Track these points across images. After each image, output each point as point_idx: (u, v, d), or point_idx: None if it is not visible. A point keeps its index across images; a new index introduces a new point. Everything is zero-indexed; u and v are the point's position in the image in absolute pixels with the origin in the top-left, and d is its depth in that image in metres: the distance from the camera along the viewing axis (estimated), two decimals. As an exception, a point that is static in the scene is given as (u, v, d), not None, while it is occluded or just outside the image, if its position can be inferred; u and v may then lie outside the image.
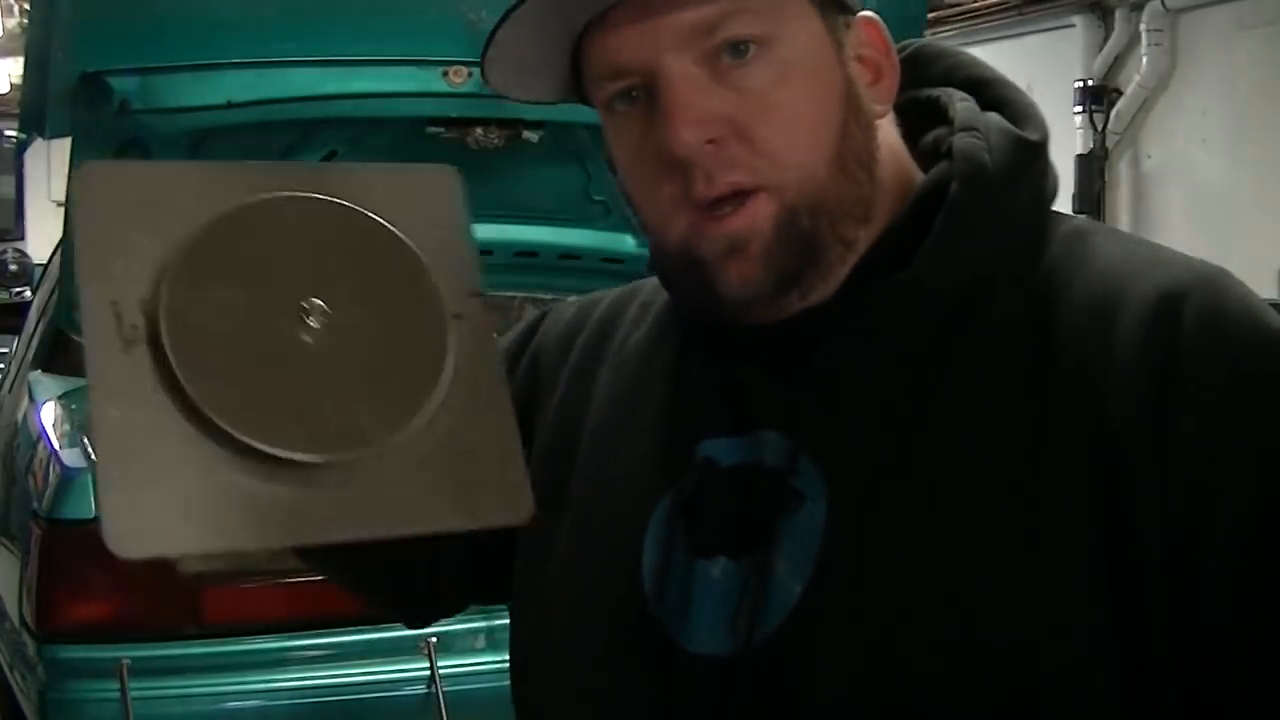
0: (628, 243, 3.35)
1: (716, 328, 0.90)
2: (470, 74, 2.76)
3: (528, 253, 3.32)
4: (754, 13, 0.82)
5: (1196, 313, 0.79)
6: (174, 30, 2.62)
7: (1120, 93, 8.31)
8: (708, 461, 0.88)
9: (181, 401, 0.77)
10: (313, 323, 0.81)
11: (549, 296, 3.80)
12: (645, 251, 3.66)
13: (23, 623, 2.66)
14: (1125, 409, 0.78)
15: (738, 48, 0.82)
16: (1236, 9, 7.59)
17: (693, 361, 0.92)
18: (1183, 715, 0.77)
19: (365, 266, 0.86)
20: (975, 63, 0.95)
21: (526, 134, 2.95)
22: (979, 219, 0.85)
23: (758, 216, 0.82)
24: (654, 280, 0.99)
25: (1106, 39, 8.36)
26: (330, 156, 2.96)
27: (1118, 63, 8.32)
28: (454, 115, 2.88)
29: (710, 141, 0.81)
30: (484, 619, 2.74)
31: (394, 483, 0.81)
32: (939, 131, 0.90)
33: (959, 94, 0.91)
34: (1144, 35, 8.00)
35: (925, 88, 0.93)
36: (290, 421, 0.79)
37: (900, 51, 0.91)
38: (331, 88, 2.80)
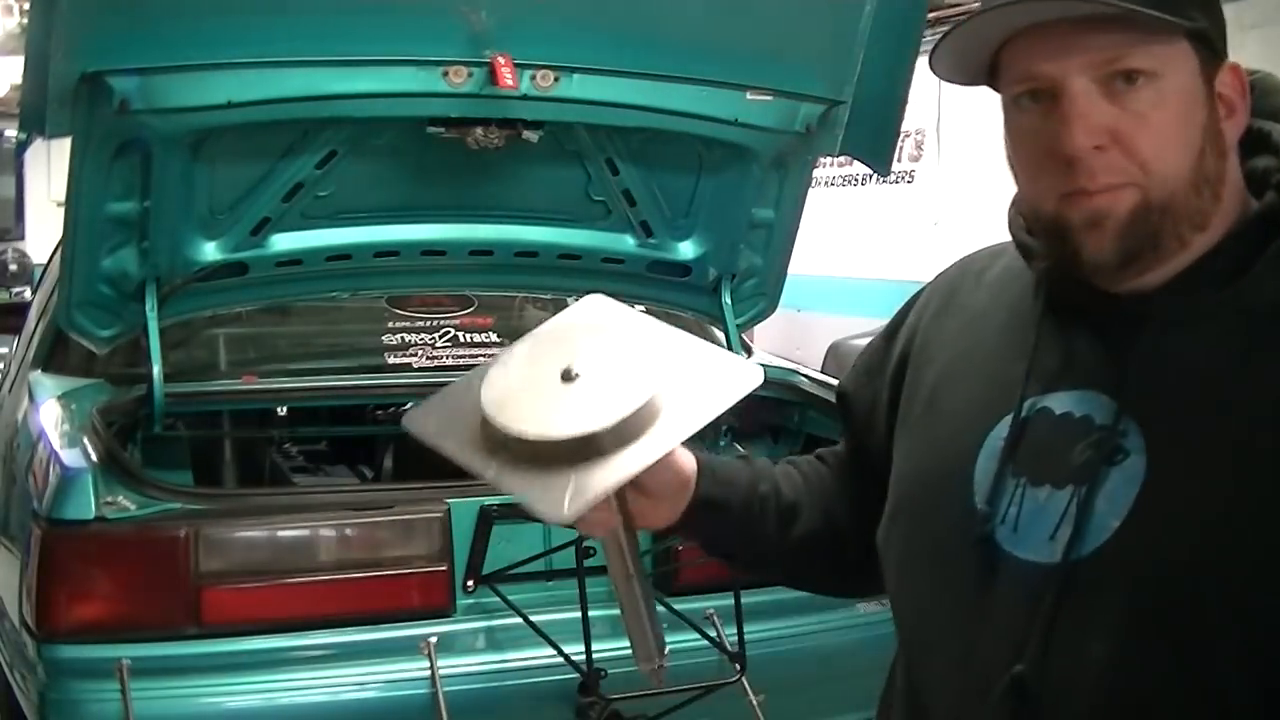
0: (628, 243, 3.34)
1: (1066, 291, 1.12)
2: (470, 74, 2.76)
3: (528, 253, 3.31)
4: (1147, 51, 1.04)
5: None
6: (174, 30, 2.61)
7: (1120, 93, 8.30)
8: (1044, 410, 1.11)
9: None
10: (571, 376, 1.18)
11: (549, 296, 3.79)
12: (645, 252, 3.64)
13: (23, 623, 2.65)
14: None
15: (1130, 76, 1.04)
16: (1236, 9, 7.57)
17: (1038, 322, 1.14)
18: None
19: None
20: None
21: (526, 134, 2.94)
22: None
23: (1119, 201, 1.05)
24: (985, 251, 1.28)
25: (1106, 39, 8.36)
26: (330, 157, 2.96)
27: (1118, 63, 8.32)
28: (454, 115, 2.88)
29: (1097, 147, 1.04)
30: (484, 619, 2.75)
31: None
32: (1266, 161, 1.11)
33: None
34: (1144, 35, 8.00)
35: (1257, 118, 1.12)
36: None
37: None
38: (331, 88, 2.79)
